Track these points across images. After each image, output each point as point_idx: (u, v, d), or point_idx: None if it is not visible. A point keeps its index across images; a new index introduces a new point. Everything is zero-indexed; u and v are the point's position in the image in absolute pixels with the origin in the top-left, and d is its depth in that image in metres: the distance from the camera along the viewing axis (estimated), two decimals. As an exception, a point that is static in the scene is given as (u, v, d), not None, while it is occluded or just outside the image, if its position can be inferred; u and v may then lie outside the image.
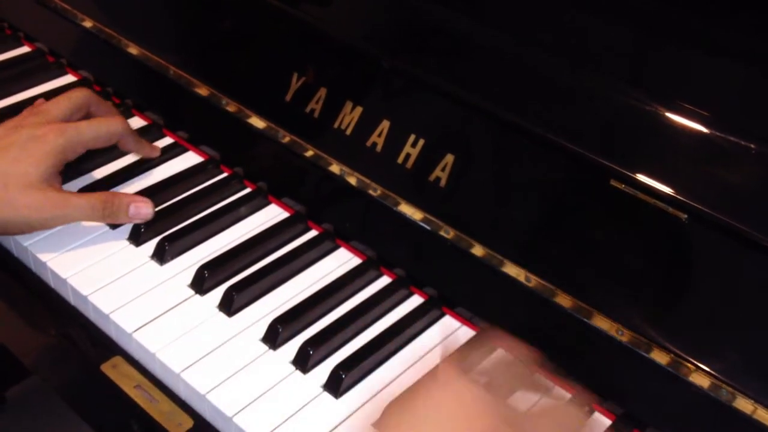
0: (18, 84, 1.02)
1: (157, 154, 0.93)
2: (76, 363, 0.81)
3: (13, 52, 1.08)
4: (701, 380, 0.68)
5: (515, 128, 0.75)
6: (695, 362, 0.68)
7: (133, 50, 1.01)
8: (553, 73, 0.75)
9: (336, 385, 0.71)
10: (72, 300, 0.80)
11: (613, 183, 0.70)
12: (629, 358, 0.70)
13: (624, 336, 0.70)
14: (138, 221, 0.83)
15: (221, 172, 0.92)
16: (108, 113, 0.89)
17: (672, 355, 0.69)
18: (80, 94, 0.87)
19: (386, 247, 0.82)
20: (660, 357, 0.69)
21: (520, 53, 0.77)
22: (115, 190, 0.89)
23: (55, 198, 0.79)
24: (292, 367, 0.73)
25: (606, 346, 0.71)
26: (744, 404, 0.66)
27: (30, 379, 1.66)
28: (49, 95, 1.00)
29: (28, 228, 0.80)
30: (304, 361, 0.73)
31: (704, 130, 0.68)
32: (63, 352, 0.83)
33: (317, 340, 0.74)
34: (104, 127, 0.85)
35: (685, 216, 0.67)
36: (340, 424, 0.69)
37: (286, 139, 0.88)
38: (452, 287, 0.79)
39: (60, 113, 0.85)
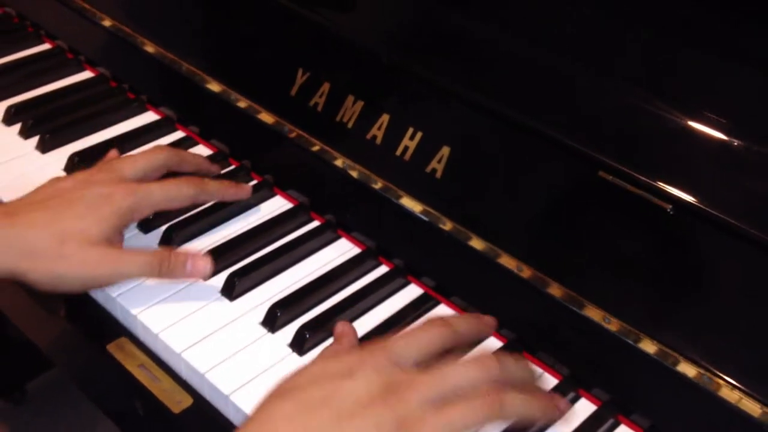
0: (38, 79, 1.06)
1: (248, 194, 0.89)
2: (84, 344, 0.84)
3: (34, 49, 1.12)
4: (687, 369, 0.69)
5: (508, 121, 0.77)
6: (681, 352, 0.69)
7: (150, 48, 1.04)
8: (546, 67, 0.77)
9: (330, 367, 0.73)
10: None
11: (602, 174, 0.71)
12: (617, 347, 0.72)
13: (611, 324, 0.72)
14: (194, 279, 0.80)
15: (229, 165, 0.95)
16: (195, 166, 0.88)
17: (658, 344, 0.70)
18: (160, 156, 0.85)
19: (385, 237, 0.84)
20: (647, 346, 0.70)
21: (515, 48, 0.79)
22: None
23: (111, 255, 0.76)
24: (289, 350, 0.75)
25: (594, 334, 0.73)
26: (729, 393, 0.68)
27: (49, 372, 1.69)
28: (68, 90, 1.05)
29: (80, 286, 0.77)
30: (300, 344, 0.75)
31: (697, 125, 0.70)
32: (72, 333, 0.86)
33: (314, 324, 0.76)
34: (175, 191, 0.82)
35: (670, 206, 0.69)
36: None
37: (293, 134, 0.91)
38: (448, 277, 0.81)
39: (133, 173, 0.82)
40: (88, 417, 1.58)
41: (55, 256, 0.74)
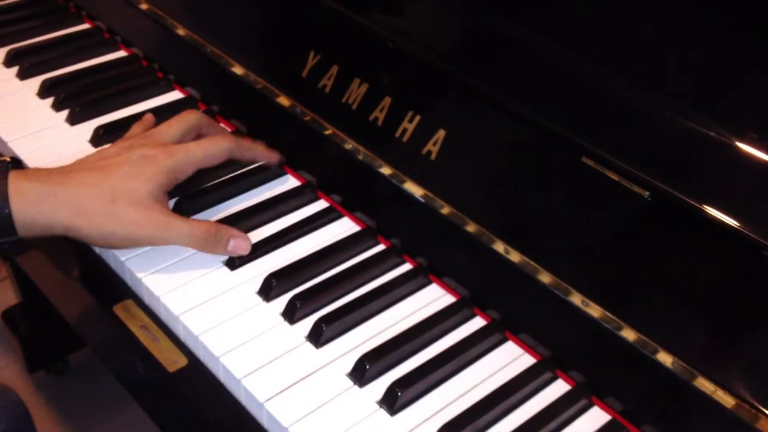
0: (74, 57, 1.11)
1: (276, 159, 0.94)
2: (98, 308, 0.89)
3: (74, 28, 1.18)
4: (664, 358, 0.70)
5: (499, 108, 0.79)
6: (659, 342, 0.70)
7: (181, 31, 1.09)
8: (545, 57, 0.79)
9: (317, 336, 0.76)
10: (97, 248, 0.87)
11: (585, 160, 0.73)
12: (596, 332, 0.73)
13: (590, 308, 0.73)
14: (234, 255, 0.84)
15: (245, 143, 0.98)
16: (217, 132, 0.92)
17: (638, 333, 0.71)
18: (192, 117, 0.89)
19: (385, 218, 0.87)
20: (627, 334, 0.72)
21: (517, 35, 0.81)
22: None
23: (160, 218, 0.80)
24: (281, 319, 0.79)
25: (575, 319, 0.74)
26: (704, 384, 0.69)
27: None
28: (101, 67, 1.10)
29: (130, 243, 0.82)
30: (291, 314, 0.78)
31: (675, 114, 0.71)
32: (93, 306, 0.91)
33: (306, 295, 0.79)
34: (213, 147, 0.86)
35: (648, 193, 0.70)
36: (317, 370, 0.74)
37: (306, 117, 0.94)
38: (442, 259, 0.83)
39: (171, 136, 0.87)
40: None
41: (107, 214, 0.79)
